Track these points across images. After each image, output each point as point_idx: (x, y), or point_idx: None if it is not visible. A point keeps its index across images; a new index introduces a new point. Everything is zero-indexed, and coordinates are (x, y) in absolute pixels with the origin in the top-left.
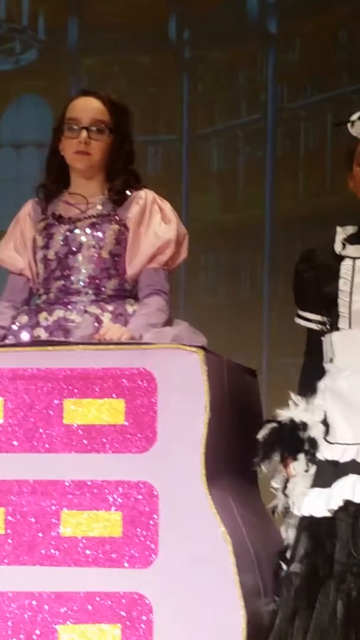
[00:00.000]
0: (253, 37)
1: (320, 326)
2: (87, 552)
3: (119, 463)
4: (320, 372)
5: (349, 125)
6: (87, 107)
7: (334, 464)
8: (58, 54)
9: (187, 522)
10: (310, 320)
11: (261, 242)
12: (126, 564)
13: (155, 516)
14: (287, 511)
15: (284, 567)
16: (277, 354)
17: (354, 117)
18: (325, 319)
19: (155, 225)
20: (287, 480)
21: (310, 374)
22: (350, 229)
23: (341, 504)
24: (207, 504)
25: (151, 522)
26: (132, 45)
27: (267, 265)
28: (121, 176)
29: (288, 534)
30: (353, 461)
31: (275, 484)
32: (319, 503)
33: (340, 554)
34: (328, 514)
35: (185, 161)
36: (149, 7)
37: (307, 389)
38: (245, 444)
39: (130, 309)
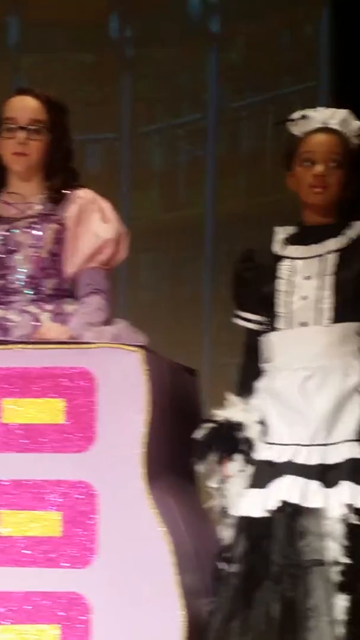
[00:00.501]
0: (195, 36)
1: (258, 326)
2: (26, 551)
3: (59, 463)
4: (259, 372)
5: (291, 124)
6: (24, 107)
7: (271, 464)
8: None
9: (127, 521)
10: (249, 320)
11: (202, 241)
12: (65, 564)
13: (94, 516)
14: (224, 511)
15: (222, 567)
16: (217, 353)
17: (296, 115)
18: (263, 319)
19: (95, 225)
20: (224, 481)
21: (248, 374)
22: (291, 229)
23: (278, 504)
24: (147, 504)
25: (90, 522)
26: (73, 43)
27: (208, 264)
28: (60, 175)
29: (225, 534)
30: (289, 462)
31: (213, 484)
32: (255, 503)
33: (276, 555)
34: (265, 515)
35: (126, 160)
36: (91, 5)
37: (245, 389)
38: (185, 443)
39: (69, 308)
